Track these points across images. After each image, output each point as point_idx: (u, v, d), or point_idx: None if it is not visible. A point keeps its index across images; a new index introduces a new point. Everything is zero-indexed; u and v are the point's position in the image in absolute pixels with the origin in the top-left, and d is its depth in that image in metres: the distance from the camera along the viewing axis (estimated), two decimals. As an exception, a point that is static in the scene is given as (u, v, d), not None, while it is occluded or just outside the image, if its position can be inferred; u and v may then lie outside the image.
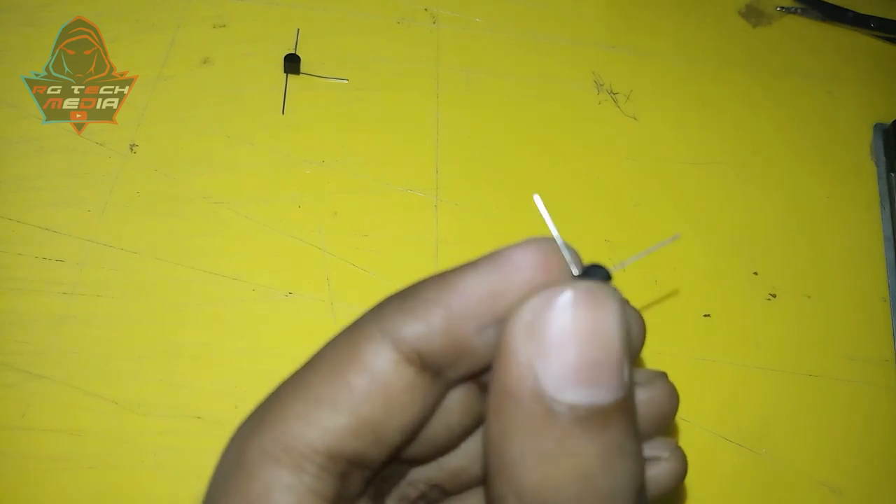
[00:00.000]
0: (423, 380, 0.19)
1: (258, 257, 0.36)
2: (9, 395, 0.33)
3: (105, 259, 0.35)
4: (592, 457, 0.17)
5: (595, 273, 0.18)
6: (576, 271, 0.18)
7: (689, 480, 0.34)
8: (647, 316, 0.37)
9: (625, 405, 0.17)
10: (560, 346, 0.16)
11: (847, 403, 0.36)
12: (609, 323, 0.17)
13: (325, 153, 0.39)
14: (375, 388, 0.18)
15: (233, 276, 0.35)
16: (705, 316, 0.37)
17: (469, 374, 0.19)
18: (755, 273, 0.39)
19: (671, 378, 0.36)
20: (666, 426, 0.23)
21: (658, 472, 0.23)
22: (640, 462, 0.18)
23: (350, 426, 0.18)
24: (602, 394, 0.16)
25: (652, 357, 0.36)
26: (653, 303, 0.37)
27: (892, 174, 0.41)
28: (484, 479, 0.23)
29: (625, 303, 0.21)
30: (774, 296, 0.38)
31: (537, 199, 0.19)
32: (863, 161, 0.42)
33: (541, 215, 0.19)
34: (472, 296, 0.18)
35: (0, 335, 0.34)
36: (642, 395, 0.23)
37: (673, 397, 0.23)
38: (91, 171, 0.37)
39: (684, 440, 0.35)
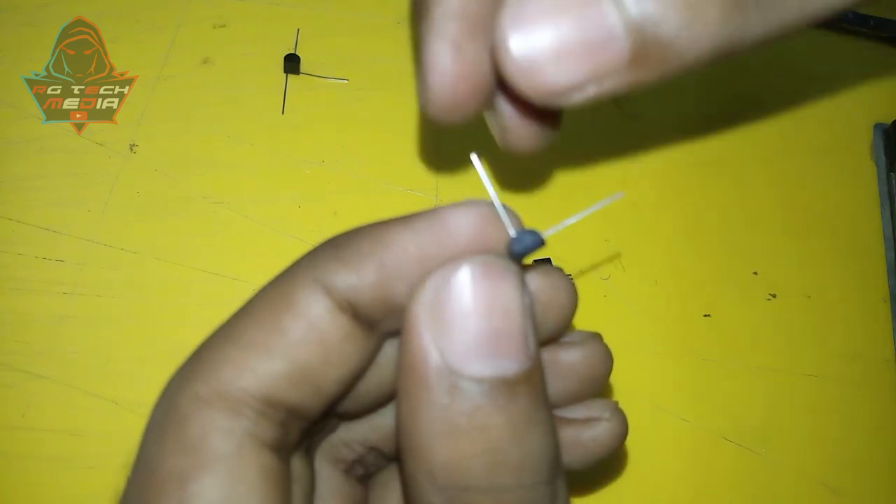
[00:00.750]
0: (358, 330, 0.18)
1: (258, 257, 0.36)
2: (9, 395, 0.33)
3: (105, 259, 0.35)
4: (501, 428, 0.17)
5: (527, 239, 0.18)
6: (512, 233, 0.18)
7: (690, 480, 0.34)
8: (647, 316, 0.37)
9: (532, 375, 0.17)
10: (461, 321, 0.16)
11: (847, 403, 0.36)
12: (507, 294, 0.17)
13: (325, 153, 0.39)
14: (312, 335, 0.18)
15: (233, 276, 0.35)
16: (705, 316, 0.37)
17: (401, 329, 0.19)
18: (755, 273, 0.39)
19: (671, 377, 0.36)
20: (600, 387, 0.24)
21: (597, 433, 0.23)
22: (552, 431, 0.18)
23: (286, 373, 0.18)
24: (507, 365, 0.17)
25: (652, 357, 0.36)
26: (653, 303, 0.37)
27: (892, 174, 0.41)
28: (397, 460, 0.23)
29: (551, 273, 0.21)
30: (774, 296, 0.38)
31: (474, 157, 0.19)
32: (863, 161, 0.42)
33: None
34: (405, 255, 0.18)
35: (0, 335, 0.34)
36: (575, 356, 0.23)
37: (607, 358, 0.23)
38: (91, 171, 0.37)
39: (684, 440, 0.35)
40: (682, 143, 0.42)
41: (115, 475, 0.32)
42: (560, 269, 0.22)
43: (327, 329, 0.18)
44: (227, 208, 0.37)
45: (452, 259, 0.17)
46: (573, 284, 0.21)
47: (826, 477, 0.35)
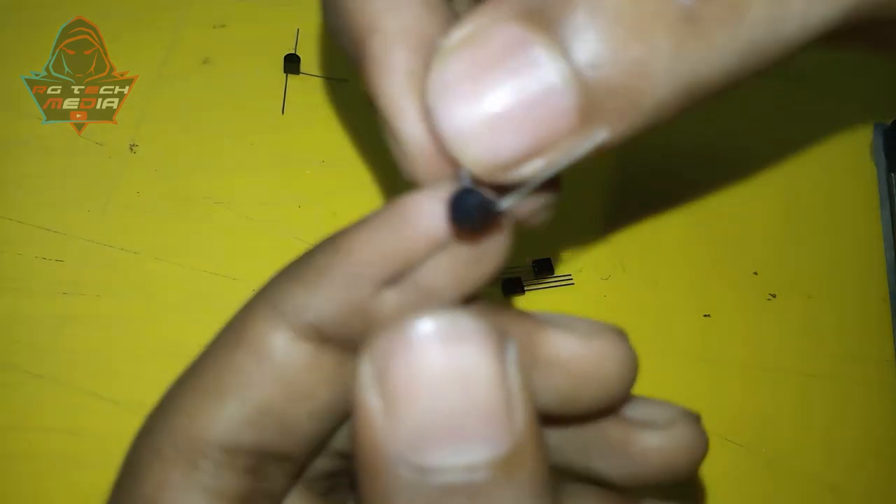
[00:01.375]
0: (327, 356, 0.16)
1: (258, 257, 0.36)
2: (9, 395, 0.33)
3: (105, 259, 0.35)
4: None
5: (468, 200, 0.14)
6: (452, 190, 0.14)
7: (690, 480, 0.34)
8: (647, 316, 0.37)
9: (517, 458, 0.14)
10: (413, 396, 0.13)
11: (847, 403, 0.36)
12: (474, 361, 0.13)
13: (325, 153, 0.39)
14: (268, 372, 0.16)
15: (233, 277, 0.35)
16: (705, 316, 0.37)
17: None
18: (755, 273, 0.39)
19: (671, 377, 0.36)
20: (681, 479, 0.19)
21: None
22: None
23: (245, 415, 0.16)
24: (476, 451, 0.13)
25: (652, 358, 0.36)
26: (653, 303, 0.37)
27: (892, 174, 0.41)
28: None
29: (598, 333, 0.17)
30: (774, 296, 0.38)
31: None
32: (863, 161, 0.42)
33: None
34: (367, 258, 0.16)
35: (0, 335, 0.34)
36: (656, 442, 0.18)
37: (699, 446, 0.18)
38: (91, 171, 0.37)
39: (684, 440, 0.35)
40: (682, 143, 0.42)
41: (115, 475, 0.32)
42: (615, 329, 0.17)
43: (287, 362, 0.16)
44: (227, 208, 0.37)
45: (405, 308, 0.15)
46: (629, 349, 0.17)
47: (826, 477, 0.35)
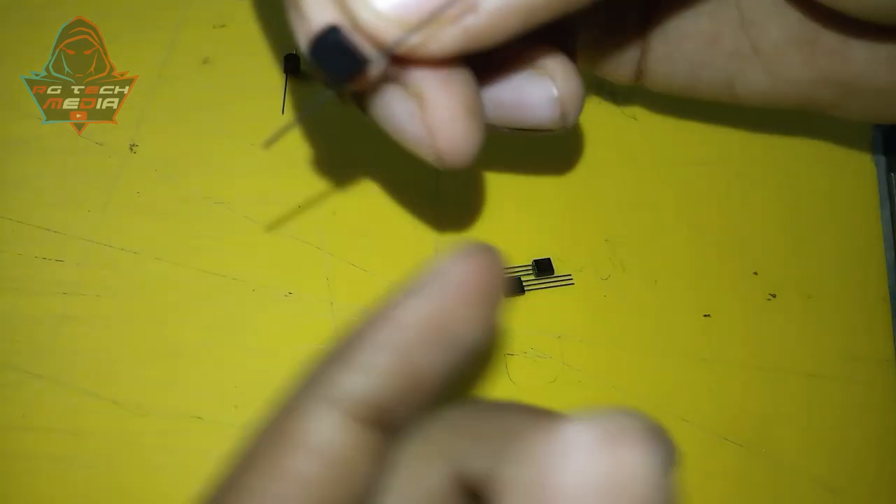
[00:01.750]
0: (372, 436, 0.16)
1: (258, 257, 0.36)
2: (9, 395, 0.33)
3: (105, 259, 0.35)
4: None
5: (330, 37, 0.14)
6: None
7: (689, 480, 0.34)
8: (647, 316, 0.37)
9: None
10: None
11: (847, 403, 0.36)
12: (637, 472, 0.12)
13: (324, 153, 0.39)
14: (323, 466, 0.15)
15: (233, 276, 0.35)
16: (705, 316, 0.37)
17: (416, 409, 0.17)
18: (755, 273, 0.39)
19: (671, 377, 0.36)
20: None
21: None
22: None
23: None
24: None
25: (652, 358, 0.36)
26: (653, 303, 0.37)
27: (892, 174, 0.41)
28: None
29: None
30: (774, 296, 0.38)
31: None
32: (863, 161, 0.42)
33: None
34: (416, 326, 0.16)
35: (0, 335, 0.34)
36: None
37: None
38: (91, 171, 0.37)
39: (684, 440, 0.35)
40: (682, 143, 0.42)
41: (115, 475, 0.32)
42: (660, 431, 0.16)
43: (342, 452, 0.16)
44: (227, 208, 0.37)
45: (547, 419, 0.15)
46: (671, 443, 0.16)
47: (826, 477, 0.35)
